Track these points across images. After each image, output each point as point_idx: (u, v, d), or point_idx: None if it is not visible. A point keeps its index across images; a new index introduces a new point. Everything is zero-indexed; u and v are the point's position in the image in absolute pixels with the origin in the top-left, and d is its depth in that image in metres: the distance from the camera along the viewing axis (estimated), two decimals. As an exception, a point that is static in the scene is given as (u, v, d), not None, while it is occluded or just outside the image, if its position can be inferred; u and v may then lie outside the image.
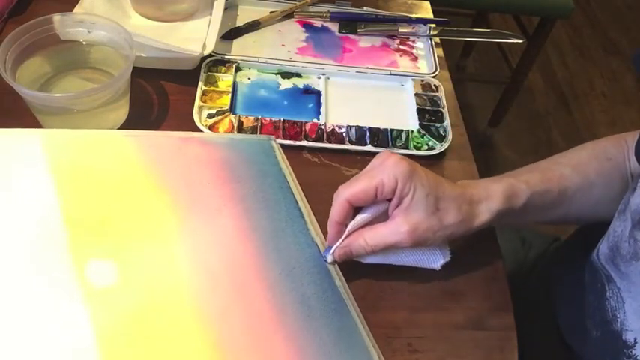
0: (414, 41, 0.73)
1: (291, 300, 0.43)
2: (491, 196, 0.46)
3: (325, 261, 0.47)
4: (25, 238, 0.40)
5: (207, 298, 0.41)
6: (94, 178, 0.45)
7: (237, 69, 0.64)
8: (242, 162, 0.51)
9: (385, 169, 0.43)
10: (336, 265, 0.47)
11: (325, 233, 0.47)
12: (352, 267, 0.49)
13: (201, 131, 0.56)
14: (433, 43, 0.72)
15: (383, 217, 0.46)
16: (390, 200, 0.44)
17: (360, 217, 0.45)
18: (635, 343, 0.44)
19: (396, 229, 0.43)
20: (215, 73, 0.62)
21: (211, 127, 0.57)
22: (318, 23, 0.73)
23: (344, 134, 0.59)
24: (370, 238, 0.44)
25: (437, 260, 0.48)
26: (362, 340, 0.43)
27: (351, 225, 0.45)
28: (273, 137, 0.56)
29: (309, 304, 0.43)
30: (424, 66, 0.70)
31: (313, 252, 0.47)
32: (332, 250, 0.46)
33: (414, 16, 0.75)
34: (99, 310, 0.37)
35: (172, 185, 0.46)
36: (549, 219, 0.52)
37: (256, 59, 0.65)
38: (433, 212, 0.43)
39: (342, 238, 0.45)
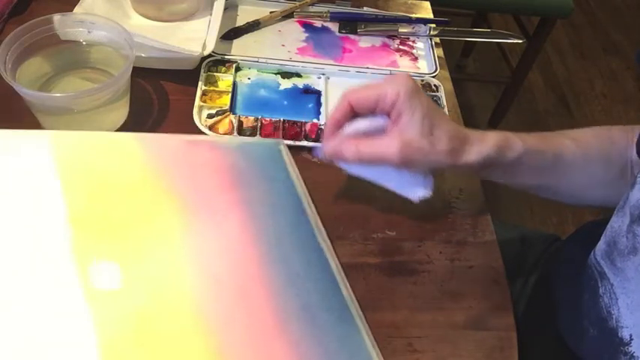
0: (414, 41, 0.73)
1: (295, 307, 0.43)
2: (485, 141, 0.47)
3: (317, 156, 0.48)
4: (29, 236, 0.40)
5: (211, 304, 0.40)
6: (101, 180, 0.45)
7: (237, 69, 0.64)
8: (250, 167, 0.51)
9: (392, 83, 0.44)
10: (342, 271, 0.48)
11: (330, 239, 0.48)
12: (352, 266, 0.49)
13: (201, 131, 0.56)
14: (433, 43, 0.72)
15: (380, 134, 0.46)
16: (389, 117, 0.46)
17: (357, 123, 0.47)
18: (632, 339, 0.44)
19: (389, 142, 0.44)
20: (215, 73, 0.62)
21: (211, 127, 0.57)
22: (318, 23, 0.73)
23: (344, 134, 0.59)
24: (363, 145, 0.45)
25: (417, 189, 0.48)
26: (365, 349, 0.43)
27: (347, 127, 0.47)
28: (282, 141, 0.55)
29: (312, 312, 0.43)
30: (424, 66, 0.70)
31: (319, 257, 0.47)
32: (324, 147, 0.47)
33: (414, 16, 0.75)
34: (101, 312, 0.37)
35: (180, 189, 0.46)
36: (539, 184, 0.52)
37: (256, 59, 0.65)
38: (427, 135, 0.44)
39: (337, 137, 0.47)
